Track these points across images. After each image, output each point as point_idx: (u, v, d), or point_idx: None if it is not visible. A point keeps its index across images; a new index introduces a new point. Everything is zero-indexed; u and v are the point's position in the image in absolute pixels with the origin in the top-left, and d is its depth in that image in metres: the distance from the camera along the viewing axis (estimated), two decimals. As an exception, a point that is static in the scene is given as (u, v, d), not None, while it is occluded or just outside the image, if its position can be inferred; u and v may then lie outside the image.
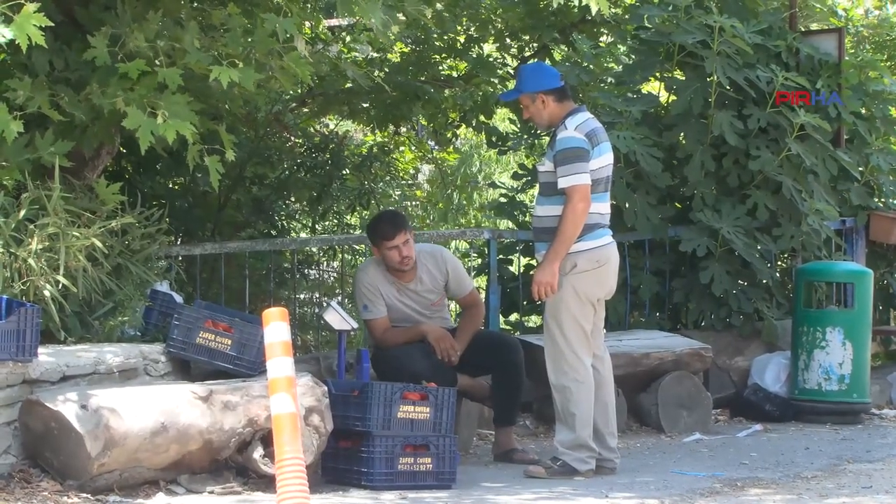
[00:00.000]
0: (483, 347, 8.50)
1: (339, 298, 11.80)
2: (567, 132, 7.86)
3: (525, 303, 10.87)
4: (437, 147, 14.93)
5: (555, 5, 7.26)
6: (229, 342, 7.54)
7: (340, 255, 13.04)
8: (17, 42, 6.68)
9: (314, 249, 12.74)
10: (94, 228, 7.71)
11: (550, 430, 9.58)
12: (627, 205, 10.59)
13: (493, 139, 11.83)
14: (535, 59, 12.20)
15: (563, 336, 7.87)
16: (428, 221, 15.87)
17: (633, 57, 11.35)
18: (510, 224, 11.49)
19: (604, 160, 7.94)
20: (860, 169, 11.47)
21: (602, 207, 7.95)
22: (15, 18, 6.62)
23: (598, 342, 8.07)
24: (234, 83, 7.66)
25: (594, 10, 7.29)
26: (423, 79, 12.21)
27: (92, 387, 7.01)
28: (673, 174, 10.85)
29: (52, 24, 6.91)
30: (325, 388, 7.35)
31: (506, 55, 12.81)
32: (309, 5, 9.36)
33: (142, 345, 7.61)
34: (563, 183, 7.78)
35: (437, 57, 12.47)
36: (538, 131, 11.65)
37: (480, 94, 12.28)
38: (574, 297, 7.85)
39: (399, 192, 14.30)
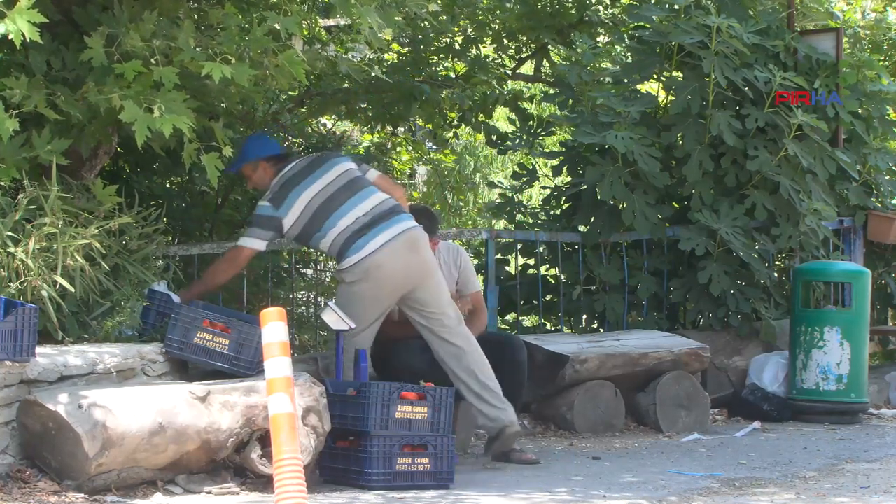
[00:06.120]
0: (487, 347, 8.48)
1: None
2: (261, 200, 8.12)
3: (522, 302, 10.87)
4: (434, 148, 14.91)
5: None
6: (227, 342, 7.52)
7: (338, 255, 13.00)
8: (10, 38, 6.66)
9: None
10: (91, 228, 7.69)
11: (548, 431, 9.59)
12: (626, 204, 10.60)
13: (494, 138, 11.83)
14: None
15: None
16: (425, 221, 15.79)
17: (631, 57, 11.35)
18: (507, 224, 11.48)
19: (313, 190, 8.01)
20: (858, 169, 11.47)
21: (346, 221, 7.97)
22: (8, 14, 6.60)
23: (456, 330, 8.09)
24: (229, 80, 7.65)
25: None
26: (420, 79, 12.19)
27: (89, 387, 7.00)
28: (671, 174, 10.85)
29: (48, 21, 6.88)
30: (323, 388, 7.33)
31: (503, 56, 12.79)
32: (306, 5, 9.34)
33: (139, 345, 7.59)
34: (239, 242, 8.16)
35: (435, 57, 12.45)
36: (538, 130, 11.66)
37: (477, 95, 12.25)
38: (356, 305, 7.97)
39: (396, 192, 14.24)
